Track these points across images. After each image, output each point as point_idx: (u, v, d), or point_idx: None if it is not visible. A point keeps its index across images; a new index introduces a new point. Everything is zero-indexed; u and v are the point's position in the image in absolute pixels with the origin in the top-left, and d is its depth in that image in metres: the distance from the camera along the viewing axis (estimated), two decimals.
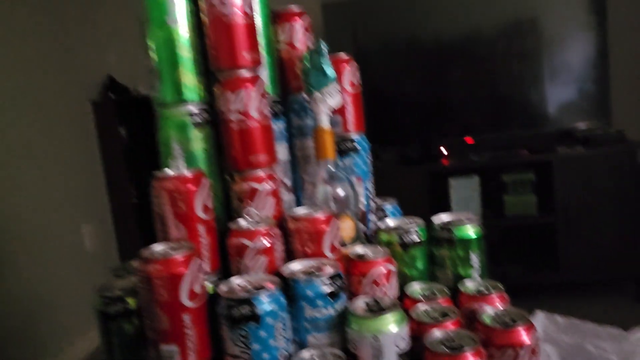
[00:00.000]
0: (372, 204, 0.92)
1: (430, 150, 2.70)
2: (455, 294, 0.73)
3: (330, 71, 0.76)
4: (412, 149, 2.72)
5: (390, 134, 2.73)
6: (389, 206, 0.98)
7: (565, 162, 2.55)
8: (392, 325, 0.59)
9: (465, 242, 0.77)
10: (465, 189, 2.56)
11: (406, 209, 0.96)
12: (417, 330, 0.63)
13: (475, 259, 0.77)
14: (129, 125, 3.14)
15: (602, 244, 2.54)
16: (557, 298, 2.48)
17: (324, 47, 0.76)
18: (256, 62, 0.71)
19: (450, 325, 0.63)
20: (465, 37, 2.72)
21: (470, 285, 0.74)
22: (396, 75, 2.80)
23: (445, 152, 2.70)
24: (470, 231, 0.77)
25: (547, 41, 2.63)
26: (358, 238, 0.81)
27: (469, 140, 2.71)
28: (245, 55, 0.69)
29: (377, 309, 0.61)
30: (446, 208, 2.52)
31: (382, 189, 0.94)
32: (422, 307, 0.67)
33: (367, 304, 0.62)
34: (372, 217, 0.91)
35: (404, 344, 0.60)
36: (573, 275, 2.58)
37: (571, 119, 2.69)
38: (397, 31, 2.75)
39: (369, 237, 0.89)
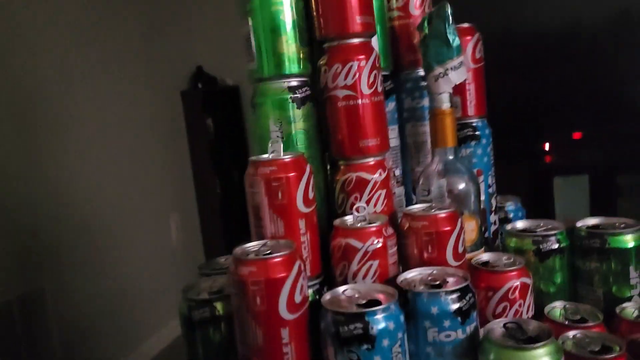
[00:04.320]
0: (493, 203, 0.78)
1: (532, 146, 2.46)
2: (610, 320, 0.58)
3: (455, 41, 0.63)
4: (510, 144, 2.48)
5: None
6: (511, 206, 0.83)
7: None
8: None
9: (622, 254, 0.62)
10: (572, 190, 2.30)
11: None
12: None
13: (635, 275, 0.62)
14: (215, 116, 3.15)
15: None
16: None
17: (449, 11, 0.63)
18: (370, 29, 0.59)
19: None
20: (567, 27, 2.44)
21: (631, 309, 0.58)
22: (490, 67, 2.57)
23: (548, 148, 2.45)
24: (629, 240, 0.62)
25: None
26: (480, 243, 0.67)
27: (576, 135, 2.44)
28: (358, 21, 0.58)
29: (522, 337, 0.48)
30: (549, 211, 2.28)
31: None
32: (573, 335, 0.53)
33: (508, 329, 0.49)
34: (492, 217, 0.78)
35: None
36: None
37: None
38: (490, 21, 2.51)
39: (489, 243, 0.76)
